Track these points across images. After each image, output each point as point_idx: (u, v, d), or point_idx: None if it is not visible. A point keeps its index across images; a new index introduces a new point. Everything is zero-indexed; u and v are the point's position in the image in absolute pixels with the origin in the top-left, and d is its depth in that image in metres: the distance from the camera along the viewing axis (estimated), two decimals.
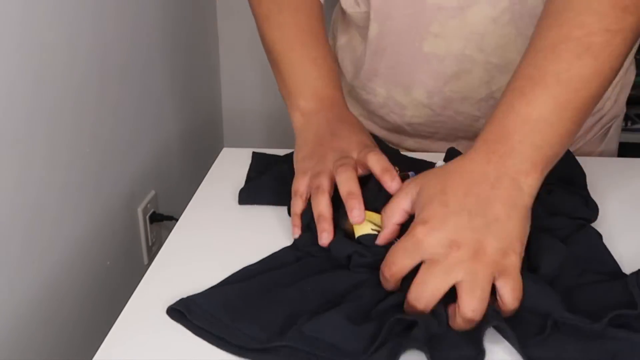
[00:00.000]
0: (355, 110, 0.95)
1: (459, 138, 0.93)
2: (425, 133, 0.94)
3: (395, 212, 0.62)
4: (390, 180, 0.65)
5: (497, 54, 0.83)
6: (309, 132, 0.76)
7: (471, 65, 0.84)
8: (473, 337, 0.54)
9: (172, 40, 1.38)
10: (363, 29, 0.89)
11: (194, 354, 0.55)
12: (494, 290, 0.55)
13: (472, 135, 0.91)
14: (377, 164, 0.67)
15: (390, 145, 0.88)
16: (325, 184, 0.67)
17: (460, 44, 0.83)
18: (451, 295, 0.56)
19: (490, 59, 0.83)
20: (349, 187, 0.65)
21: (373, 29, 0.86)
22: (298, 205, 0.70)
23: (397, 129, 0.95)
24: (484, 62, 0.84)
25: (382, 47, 0.87)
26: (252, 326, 0.56)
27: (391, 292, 0.59)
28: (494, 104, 0.86)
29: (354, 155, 0.70)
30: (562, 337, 0.54)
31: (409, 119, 0.92)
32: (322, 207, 0.66)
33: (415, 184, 0.62)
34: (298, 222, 0.69)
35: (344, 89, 0.85)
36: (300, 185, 0.70)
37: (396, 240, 0.62)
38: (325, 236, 0.65)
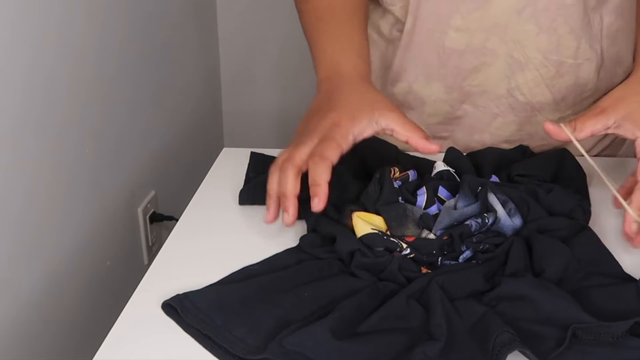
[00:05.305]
0: None
1: (471, 143, 0.93)
2: (439, 136, 0.93)
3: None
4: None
5: (518, 49, 0.84)
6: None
7: (492, 59, 0.85)
8: None
9: (172, 40, 1.38)
10: (397, 24, 0.90)
11: (194, 354, 0.55)
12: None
13: (487, 138, 0.91)
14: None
15: (405, 151, 0.87)
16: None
17: (482, 36, 0.84)
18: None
19: (512, 52, 0.84)
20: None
21: (408, 23, 0.87)
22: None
23: None
24: (505, 55, 0.85)
25: (412, 42, 0.88)
26: (242, 328, 0.55)
27: (386, 300, 0.58)
28: (513, 102, 0.86)
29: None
30: (582, 347, 0.52)
31: (426, 119, 0.92)
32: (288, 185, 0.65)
33: (616, 110, 0.71)
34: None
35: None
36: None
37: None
38: (288, 214, 0.65)
